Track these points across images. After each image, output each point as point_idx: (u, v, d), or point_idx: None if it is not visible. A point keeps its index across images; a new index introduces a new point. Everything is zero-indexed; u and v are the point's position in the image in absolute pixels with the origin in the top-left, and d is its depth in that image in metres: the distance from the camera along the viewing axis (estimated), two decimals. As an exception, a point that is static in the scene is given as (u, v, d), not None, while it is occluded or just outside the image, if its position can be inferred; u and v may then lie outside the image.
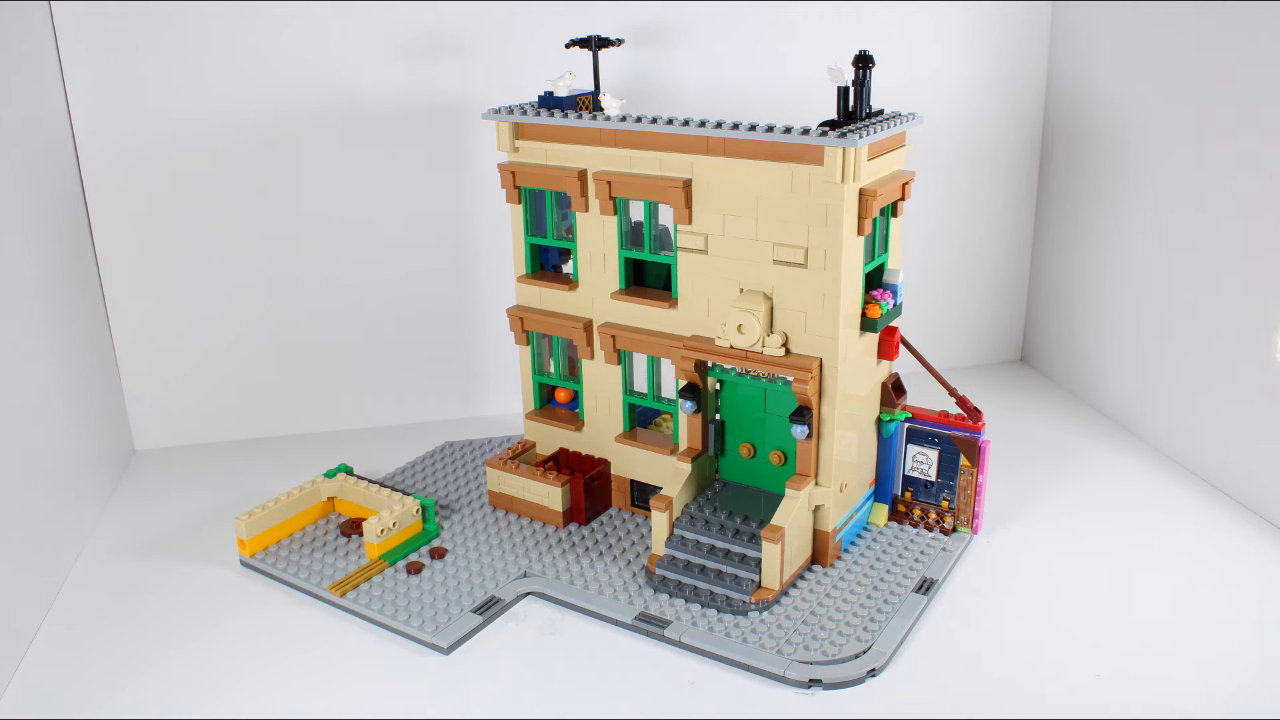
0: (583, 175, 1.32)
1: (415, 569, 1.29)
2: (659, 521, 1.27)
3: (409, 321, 1.74)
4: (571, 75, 1.37)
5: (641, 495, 1.43)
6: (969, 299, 1.95)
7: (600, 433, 1.43)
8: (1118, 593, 1.24)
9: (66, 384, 1.42)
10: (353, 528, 1.38)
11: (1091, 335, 1.78)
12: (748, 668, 1.11)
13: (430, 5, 1.59)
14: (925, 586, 1.24)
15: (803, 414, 1.22)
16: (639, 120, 1.27)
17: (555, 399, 1.50)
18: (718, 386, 1.31)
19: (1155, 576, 1.27)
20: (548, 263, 1.45)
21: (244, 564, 1.33)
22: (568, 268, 1.45)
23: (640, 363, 1.40)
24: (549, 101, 1.35)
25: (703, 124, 1.23)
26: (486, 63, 1.63)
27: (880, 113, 1.25)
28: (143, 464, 1.64)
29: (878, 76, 1.45)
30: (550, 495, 1.39)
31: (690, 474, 1.29)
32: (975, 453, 1.33)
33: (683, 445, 1.35)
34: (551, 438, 1.48)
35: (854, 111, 1.22)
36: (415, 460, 1.60)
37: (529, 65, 1.61)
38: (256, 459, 1.64)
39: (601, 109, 1.35)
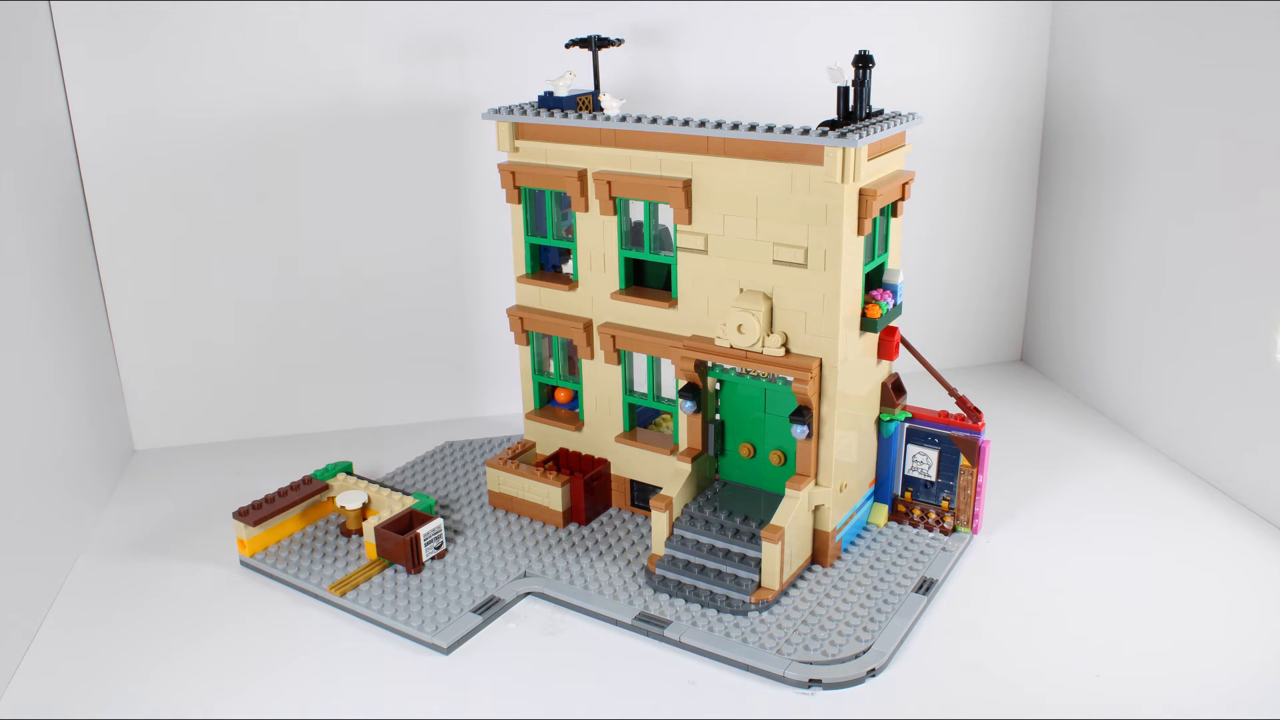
0: (583, 175, 1.32)
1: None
2: (659, 521, 1.27)
3: (409, 321, 1.74)
4: (571, 75, 1.37)
5: (641, 495, 1.43)
6: (969, 299, 1.95)
7: (600, 433, 1.43)
8: (1117, 592, 1.24)
9: (66, 384, 1.42)
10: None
11: (1091, 335, 1.78)
12: (748, 668, 1.11)
13: (430, 5, 1.59)
14: (925, 586, 1.24)
15: (803, 414, 1.22)
16: (639, 120, 1.27)
17: (555, 399, 1.50)
18: (718, 386, 1.31)
19: (1155, 576, 1.27)
20: (548, 263, 1.45)
21: (244, 564, 1.33)
22: (568, 268, 1.45)
23: (640, 363, 1.40)
24: (549, 101, 1.35)
25: (703, 124, 1.23)
26: (486, 63, 1.63)
27: (880, 113, 1.25)
28: (143, 464, 1.64)
29: (878, 76, 1.45)
30: (550, 495, 1.39)
31: (690, 474, 1.29)
32: (975, 453, 1.33)
33: (683, 445, 1.35)
34: (551, 438, 1.48)
35: (854, 111, 1.21)
36: (415, 460, 1.60)
37: (529, 65, 1.61)
38: (256, 459, 1.64)
39: (601, 109, 1.35)
